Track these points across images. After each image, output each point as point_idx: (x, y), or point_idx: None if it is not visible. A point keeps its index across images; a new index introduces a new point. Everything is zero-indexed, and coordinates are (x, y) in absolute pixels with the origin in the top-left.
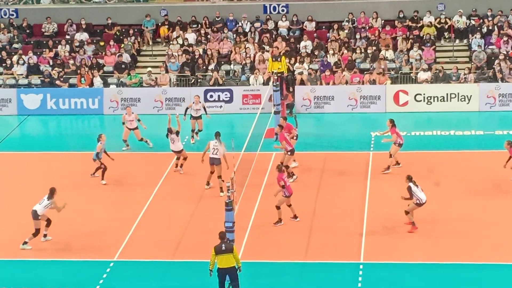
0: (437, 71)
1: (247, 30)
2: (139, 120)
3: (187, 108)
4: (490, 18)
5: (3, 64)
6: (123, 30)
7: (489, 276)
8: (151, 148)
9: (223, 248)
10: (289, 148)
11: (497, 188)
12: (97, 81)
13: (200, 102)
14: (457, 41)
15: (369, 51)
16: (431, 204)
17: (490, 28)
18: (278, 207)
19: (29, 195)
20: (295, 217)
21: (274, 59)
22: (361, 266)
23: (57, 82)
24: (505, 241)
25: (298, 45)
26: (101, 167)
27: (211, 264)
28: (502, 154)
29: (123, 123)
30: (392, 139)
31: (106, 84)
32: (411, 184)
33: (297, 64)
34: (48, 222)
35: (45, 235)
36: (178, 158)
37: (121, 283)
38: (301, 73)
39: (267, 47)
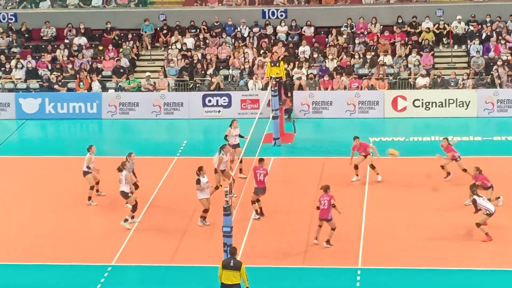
0: (436, 76)
1: (245, 35)
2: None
3: (226, 136)
4: (488, 24)
5: (2, 68)
6: (122, 34)
7: (487, 282)
8: (150, 152)
9: (231, 264)
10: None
11: (495, 194)
12: (96, 86)
13: (237, 127)
14: (456, 46)
15: (367, 57)
16: (429, 209)
17: (489, 34)
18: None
19: (28, 199)
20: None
21: (272, 64)
22: (359, 272)
23: (56, 86)
24: (504, 247)
25: (296, 50)
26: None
27: (219, 278)
28: (500, 160)
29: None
30: (448, 157)
31: (104, 89)
32: (475, 197)
33: (295, 69)
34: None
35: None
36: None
37: None
38: (299, 78)
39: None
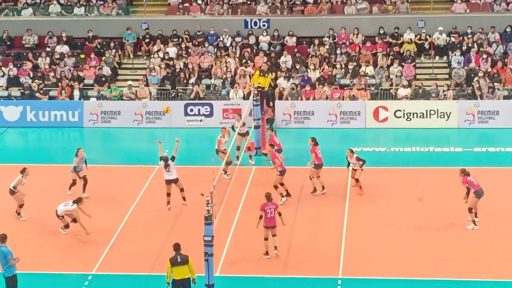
0: (417, 87)
1: (228, 44)
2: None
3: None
4: (470, 36)
5: None
6: (104, 43)
7: None
8: (132, 161)
9: (179, 260)
10: (280, 169)
11: (480, 204)
12: (77, 94)
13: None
14: (437, 58)
15: (349, 67)
16: (410, 219)
17: (470, 45)
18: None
19: (8, 208)
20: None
21: (261, 73)
22: (339, 281)
23: (37, 94)
24: (484, 257)
25: (278, 60)
26: (74, 183)
27: (167, 276)
28: (480, 171)
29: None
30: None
31: (85, 97)
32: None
33: (280, 79)
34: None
35: (18, 213)
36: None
37: None
38: (283, 89)
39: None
